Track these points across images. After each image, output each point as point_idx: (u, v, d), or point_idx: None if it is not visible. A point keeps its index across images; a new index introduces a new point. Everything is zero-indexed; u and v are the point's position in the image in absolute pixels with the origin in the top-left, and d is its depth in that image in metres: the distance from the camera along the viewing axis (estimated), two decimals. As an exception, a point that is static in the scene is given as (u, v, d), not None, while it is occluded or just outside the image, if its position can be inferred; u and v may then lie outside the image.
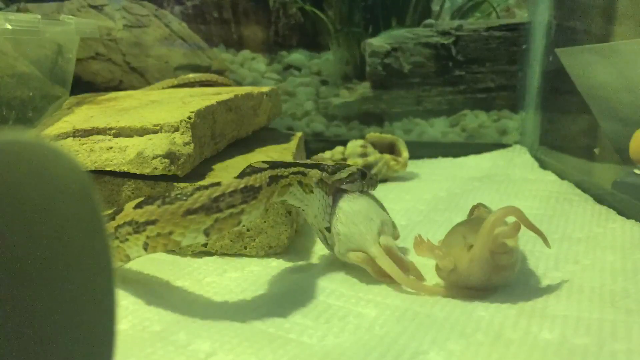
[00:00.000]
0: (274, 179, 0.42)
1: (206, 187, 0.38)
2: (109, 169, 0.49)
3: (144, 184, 0.50)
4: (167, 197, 0.37)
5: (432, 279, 0.42)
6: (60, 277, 0.19)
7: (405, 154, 0.75)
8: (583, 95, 0.75)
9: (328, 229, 0.45)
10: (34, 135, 0.34)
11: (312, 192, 0.45)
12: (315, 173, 0.46)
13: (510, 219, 0.38)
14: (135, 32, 0.91)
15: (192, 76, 0.82)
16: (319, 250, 0.50)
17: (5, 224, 0.17)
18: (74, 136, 0.51)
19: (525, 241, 0.47)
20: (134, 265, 0.45)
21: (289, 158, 0.59)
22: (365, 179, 0.48)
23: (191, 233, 0.37)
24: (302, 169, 0.46)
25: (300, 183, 0.45)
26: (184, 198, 0.37)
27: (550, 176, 0.74)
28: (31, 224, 0.18)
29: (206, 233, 0.37)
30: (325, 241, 0.46)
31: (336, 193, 0.46)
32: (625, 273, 0.42)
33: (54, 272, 0.19)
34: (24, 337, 0.18)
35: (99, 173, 0.50)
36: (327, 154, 0.77)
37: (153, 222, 0.37)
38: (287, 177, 0.44)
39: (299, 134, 0.73)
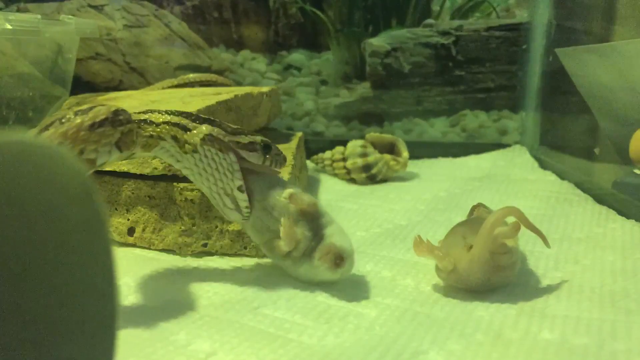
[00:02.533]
0: (135, 125, 0.38)
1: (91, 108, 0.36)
2: (109, 169, 0.49)
3: (144, 184, 0.50)
4: (63, 118, 0.35)
5: (432, 279, 0.42)
6: (61, 278, 0.19)
7: (405, 154, 0.75)
8: (583, 95, 0.75)
9: (241, 188, 0.40)
10: (34, 136, 0.34)
11: (195, 151, 0.40)
12: (202, 129, 0.40)
13: (510, 219, 0.38)
14: (135, 32, 0.91)
15: (192, 76, 0.82)
16: (319, 250, 0.49)
17: (5, 225, 0.17)
18: (74, 136, 0.51)
19: (525, 241, 0.47)
20: (135, 266, 0.45)
21: (289, 158, 0.59)
22: (270, 153, 0.42)
23: (104, 147, 0.36)
24: (184, 121, 0.40)
25: (174, 138, 0.40)
26: (85, 114, 0.36)
27: (550, 176, 0.74)
28: (32, 224, 0.18)
29: (118, 147, 0.36)
30: (238, 209, 0.41)
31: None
32: (625, 273, 0.42)
33: (55, 272, 0.19)
34: (25, 338, 0.18)
35: (99, 173, 0.50)
36: (327, 154, 0.77)
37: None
38: (157, 125, 0.39)
39: (299, 134, 0.73)
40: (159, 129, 0.39)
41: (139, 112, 0.40)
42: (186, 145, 0.40)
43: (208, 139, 0.40)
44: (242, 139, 0.41)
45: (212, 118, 0.42)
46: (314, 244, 0.41)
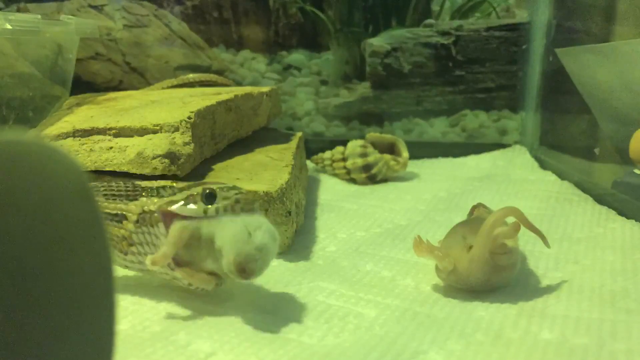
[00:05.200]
0: None
1: None
2: (109, 169, 0.49)
3: (144, 184, 0.50)
4: None
5: (432, 279, 0.42)
6: (59, 278, 0.19)
7: (405, 154, 0.75)
8: (583, 95, 0.75)
9: (170, 265, 0.36)
10: (33, 135, 0.34)
11: (131, 245, 0.36)
12: (133, 209, 0.36)
13: (510, 219, 0.38)
14: (135, 32, 0.91)
15: (192, 76, 0.82)
16: (319, 250, 0.50)
17: (3, 225, 0.17)
18: (74, 136, 0.51)
19: (525, 241, 0.47)
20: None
21: (289, 158, 0.59)
22: (213, 203, 0.35)
23: None
24: (117, 206, 0.36)
25: (112, 242, 0.35)
26: None
27: (550, 176, 0.74)
28: (30, 224, 0.18)
29: None
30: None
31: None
32: (625, 273, 0.42)
33: (53, 272, 0.19)
34: (22, 338, 0.18)
35: (99, 173, 0.50)
36: (327, 154, 0.77)
37: None
38: None
39: (299, 134, 0.73)
40: None
41: None
42: (123, 244, 0.36)
43: (140, 217, 0.36)
44: (177, 196, 0.36)
45: (167, 184, 0.38)
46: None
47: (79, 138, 0.51)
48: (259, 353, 0.32)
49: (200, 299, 0.39)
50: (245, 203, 0.36)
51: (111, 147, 0.50)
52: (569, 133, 0.87)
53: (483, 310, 0.37)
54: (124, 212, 0.36)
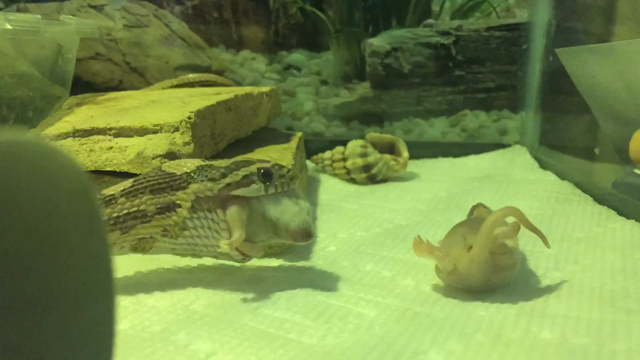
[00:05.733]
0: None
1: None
2: (109, 169, 0.49)
3: (144, 184, 0.50)
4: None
5: (432, 279, 0.42)
6: (59, 278, 0.19)
7: (405, 154, 0.75)
8: (583, 95, 0.75)
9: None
10: (32, 135, 0.34)
11: (184, 229, 0.38)
12: (187, 196, 0.37)
13: (510, 219, 0.38)
14: (135, 32, 0.91)
15: (191, 76, 0.82)
16: (319, 250, 0.50)
17: (3, 225, 0.17)
18: (74, 136, 0.51)
19: (525, 241, 0.47)
20: (134, 265, 0.45)
21: (289, 158, 0.59)
22: (271, 180, 0.38)
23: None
24: (168, 198, 0.37)
25: (165, 233, 0.38)
26: None
27: (550, 176, 0.74)
28: (30, 224, 0.18)
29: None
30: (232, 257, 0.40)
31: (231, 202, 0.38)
32: (625, 273, 0.42)
33: (53, 272, 0.19)
34: (23, 338, 0.18)
35: (99, 173, 0.50)
36: (327, 154, 0.77)
37: None
38: (147, 221, 0.37)
39: (299, 134, 0.73)
40: (150, 228, 0.37)
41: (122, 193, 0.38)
42: (176, 229, 0.38)
43: (195, 204, 0.37)
44: (234, 177, 0.38)
45: (201, 162, 0.39)
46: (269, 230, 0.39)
47: (79, 138, 0.51)
48: (259, 353, 0.32)
49: (200, 299, 0.39)
50: (292, 178, 0.40)
51: (111, 147, 0.50)
52: (569, 133, 0.87)
53: (483, 310, 0.37)
54: (176, 201, 0.38)
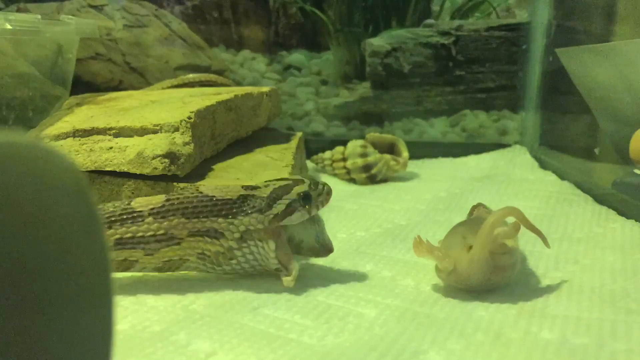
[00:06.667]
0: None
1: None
2: (109, 169, 0.49)
3: (144, 184, 0.50)
4: None
5: (432, 279, 0.42)
6: (56, 278, 0.19)
7: (405, 154, 0.75)
8: (583, 95, 0.75)
9: (279, 269, 0.40)
10: (28, 136, 0.34)
11: (232, 258, 0.38)
12: (237, 228, 0.37)
13: (510, 219, 0.38)
14: (135, 32, 0.91)
15: (192, 76, 0.82)
16: (319, 250, 0.49)
17: (0, 226, 0.17)
18: (74, 136, 0.51)
19: (525, 241, 0.47)
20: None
21: (289, 158, 0.59)
22: (311, 201, 0.39)
23: None
24: (210, 224, 0.36)
25: (202, 256, 0.37)
26: None
27: (550, 176, 0.74)
28: (27, 225, 0.18)
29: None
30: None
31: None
32: (625, 273, 0.42)
33: (51, 273, 0.19)
34: (21, 339, 0.18)
35: (99, 173, 0.50)
36: (327, 154, 0.77)
37: None
38: (178, 243, 0.36)
39: (299, 134, 0.73)
40: (180, 250, 0.36)
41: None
42: (219, 258, 0.38)
43: (245, 235, 0.37)
44: (277, 208, 0.38)
45: (242, 190, 0.38)
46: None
47: (79, 138, 0.51)
48: (259, 353, 0.32)
49: (200, 299, 0.39)
50: (329, 192, 0.41)
51: (111, 147, 0.50)
52: (568, 133, 0.87)
53: (483, 310, 0.37)
54: (219, 229, 0.37)
